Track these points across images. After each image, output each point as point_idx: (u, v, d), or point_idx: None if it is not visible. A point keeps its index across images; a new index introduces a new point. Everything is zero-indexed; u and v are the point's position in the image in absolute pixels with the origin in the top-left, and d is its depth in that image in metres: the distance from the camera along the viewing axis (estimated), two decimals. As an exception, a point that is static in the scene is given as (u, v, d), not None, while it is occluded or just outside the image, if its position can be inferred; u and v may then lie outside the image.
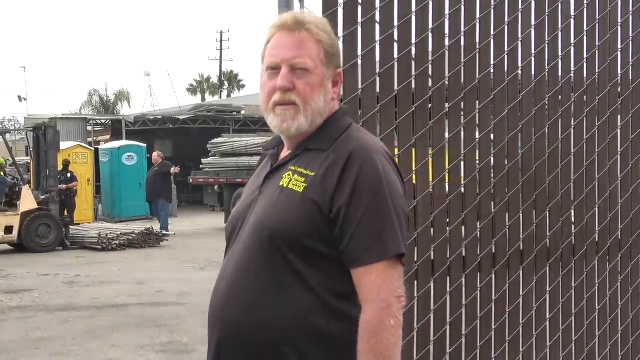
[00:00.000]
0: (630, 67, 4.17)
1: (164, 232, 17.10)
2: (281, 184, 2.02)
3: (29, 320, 8.88)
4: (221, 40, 55.49)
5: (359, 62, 3.26)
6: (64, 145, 19.69)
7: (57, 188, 16.54)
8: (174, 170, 18.40)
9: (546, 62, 3.83)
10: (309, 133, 2.05)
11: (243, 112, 28.68)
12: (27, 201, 15.67)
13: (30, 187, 16.12)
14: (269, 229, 1.96)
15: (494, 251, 3.66)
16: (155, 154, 19.16)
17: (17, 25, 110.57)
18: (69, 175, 19.43)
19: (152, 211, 19.69)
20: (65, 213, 18.30)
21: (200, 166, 20.97)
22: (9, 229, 15.47)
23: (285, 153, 2.12)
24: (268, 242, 1.96)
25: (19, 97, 43.70)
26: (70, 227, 16.59)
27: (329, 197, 1.94)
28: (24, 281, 11.88)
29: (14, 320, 8.91)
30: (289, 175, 2.02)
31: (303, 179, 1.98)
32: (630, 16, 4.16)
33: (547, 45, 3.83)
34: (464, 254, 3.55)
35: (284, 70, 2.01)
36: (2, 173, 16.66)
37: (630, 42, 4.16)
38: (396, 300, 1.93)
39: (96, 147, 25.23)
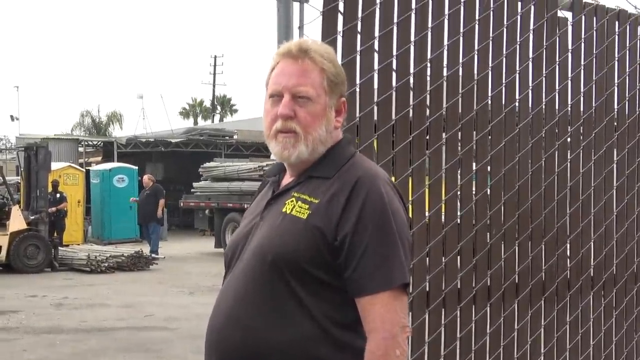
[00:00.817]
0: (627, 102, 4.18)
1: (153, 255, 16.99)
2: (284, 210, 2.01)
3: (14, 342, 8.76)
4: (215, 65, 55.69)
5: (357, 90, 3.24)
6: (55, 165, 19.61)
7: (47, 209, 16.44)
8: (159, 212, 18.11)
9: (544, 95, 3.84)
10: (312, 161, 2.05)
11: (235, 136, 28.68)
12: (17, 221, 15.57)
13: (19, 207, 16.02)
14: (271, 254, 1.95)
15: (489, 284, 3.63)
16: (145, 177, 19.08)
17: (10, 44, 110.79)
18: (58, 196, 19.31)
19: (142, 234, 19.52)
20: (55, 234, 18.18)
21: (192, 190, 20.91)
22: (-3, 249, 15.36)
23: (287, 180, 2.12)
24: (270, 267, 1.95)
25: (11, 116, 43.48)
26: (59, 248, 16.48)
27: (334, 224, 1.94)
28: (11, 302, 11.76)
29: (-1, 342, 8.80)
30: (292, 201, 2.01)
31: (307, 206, 1.98)
32: (627, 52, 4.18)
33: (544, 79, 3.83)
34: (459, 286, 3.52)
35: (285, 98, 2.01)
36: (-9, 192, 16.57)
37: (627, 77, 4.18)
38: (401, 330, 1.93)
39: (87, 168, 25.14)
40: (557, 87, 3.89)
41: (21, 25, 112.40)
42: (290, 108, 2.01)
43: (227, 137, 28.49)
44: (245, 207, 18.04)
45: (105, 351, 8.28)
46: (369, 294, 1.91)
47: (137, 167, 23.67)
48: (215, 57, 55.77)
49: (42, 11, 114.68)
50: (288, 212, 2.00)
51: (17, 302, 11.80)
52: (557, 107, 3.90)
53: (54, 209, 18.49)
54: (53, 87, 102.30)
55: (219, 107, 58.59)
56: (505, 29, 3.67)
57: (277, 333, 1.93)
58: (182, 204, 21.44)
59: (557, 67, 3.88)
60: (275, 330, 1.94)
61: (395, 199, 2.01)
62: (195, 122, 55.66)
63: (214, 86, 56.11)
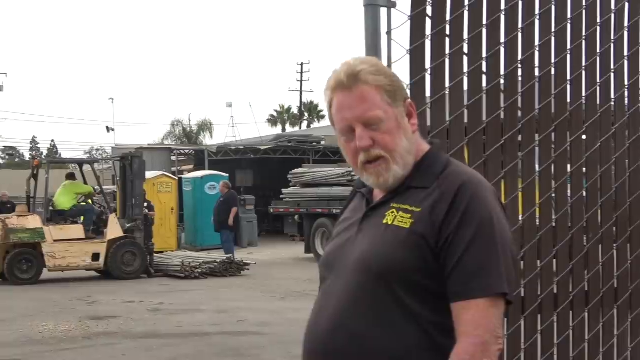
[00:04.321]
0: None
1: (230, 257, 16.86)
2: (385, 221, 2.00)
3: (114, 347, 9.05)
4: (302, 72, 56.15)
5: (447, 93, 3.21)
6: (149, 174, 20.11)
7: (142, 216, 16.86)
8: (231, 219, 17.98)
9: (640, 93, 3.72)
10: (406, 173, 2.04)
11: (323, 142, 28.84)
12: (114, 229, 16.05)
13: (116, 215, 16.51)
14: (377, 266, 1.94)
15: (586, 288, 3.54)
16: (221, 184, 19.24)
17: (105, 59, 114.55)
18: (146, 204, 19.71)
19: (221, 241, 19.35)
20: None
21: (281, 196, 21.13)
22: (95, 256, 15.86)
23: (380, 192, 2.10)
24: (375, 278, 1.94)
25: (107, 127, 45.03)
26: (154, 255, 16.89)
27: (437, 229, 1.92)
28: (109, 307, 12.14)
29: (99, 347, 9.09)
30: (392, 212, 2.00)
31: (409, 215, 1.97)
32: None
33: (641, 77, 3.71)
34: (555, 291, 3.44)
35: (358, 131, 1.99)
36: (90, 201, 17.13)
37: None
38: (494, 340, 1.89)
39: (180, 176, 25.70)
40: (654, 85, 3.76)
41: (115, 41, 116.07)
42: (367, 138, 1.98)
43: (315, 143, 28.68)
44: (334, 212, 18.27)
45: (200, 356, 8.46)
46: (464, 299, 1.89)
47: (227, 175, 24.06)
48: (302, 63, 56.26)
49: (134, 26, 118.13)
50: (390, 223, 1.99)
51: (115, 307, 12.17)
52: (655, 106, 3.78)
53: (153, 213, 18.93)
54: (145, 98, 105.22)
55: (306, 114, 59.04)
56: (598, 27, 3.57)
57: (385, 341, 1.94)
58: (271, 210, 21.68)
59: (655, 64, 3.76)
60: (383, 338, 1.94)
61: (499, 208, 1.98)
62: (283, 129, 56.29)
63: (300, 93, 56.61)
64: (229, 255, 16.77)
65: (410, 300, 1.93)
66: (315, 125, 55.31)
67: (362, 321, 1.95)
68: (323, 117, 59.26)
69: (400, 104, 2.03)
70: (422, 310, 1.93)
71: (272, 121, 59.98)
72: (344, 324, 1.97)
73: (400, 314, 1.93)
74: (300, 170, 21.08)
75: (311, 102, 59.46)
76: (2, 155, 61.68)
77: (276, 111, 60.63)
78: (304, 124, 56.91)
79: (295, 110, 59.32)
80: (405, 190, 2.03)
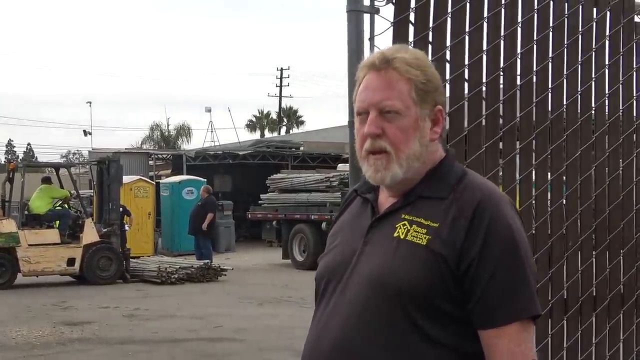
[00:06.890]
0: None
1: (207, 262, 16.79)
2: (396, 234, 1.85)
3: (89, 353, 8.96)
4: (281, 77, 56.15)
5: (429, 101, 3.20)
6: (126, 179, 19.98)
7: (119, 221, 16.74)
8: (204, 225, 17.76)
9: (621, 102, 3.74)
10: (412, 179, 1.89)
11: (302, 148, 28.85)
12: (90, 234, 15.91)
13: (92, 219, 16.38)
14: (392, 286, 1.80)
15: (565, 297, 3.55)
16: (202, 188, 19.15)
17: (83, 61, 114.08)
18: (121, 209, 19.55)
19: (195, 245, 19.23)
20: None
21: (259, 201, 21.08)
22: (71, 261, 15.70)
23: (386, 198, 1.94)
24: (390, 298, 1.80)
25: (84, 131, 44.65)
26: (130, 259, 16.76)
27: (458, 250, 1.79)
28: (84, 313, 12.02)
29: (74, 352, 9.00)
30: (404, 225, 1.85)
31: (424, 230, 1.82)
32: None
33: (621, 86, 3.73)
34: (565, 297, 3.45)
35: (371, 115, 1.86)
36: (66, 206, 16.97)
37: None
38: None
39: (157, 181, 25.55)
40: (634, 94, 3.78)
41: (93, 43, 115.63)
42: (378, 125, 1.85)
43: (294, 149, 28.67)
44: (313, 218, 18.28)
45: (176, 362, 8.39)
46: (495, 327, 1.78)
47: (205, 180, 23.95)
48: (282, 69, 56.28)
49: (113, 29, 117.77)
50: (402, 237, 1.84)
51: (90, 313, 12.05)
52: (635, 114, 3.80)
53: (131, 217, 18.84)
54: (123, 101, 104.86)
55: (285, 119, 59.04)
56: (580, 36, 3.59)
57: None
58: (249, 216, 21.61)
59: (635, 73, 3.78)
60: None
61: (518, 221, 1.86)
62: (262, 134, 56.21)
63: (280, 98, 56.60)
64: (206, 261, 16.68)
65: (427, 323, 1.79)
66: (294, 130, 55.33)
67: (373, 344, 1.81)
68: (302, 122, 59.42)
69: (427, 107, 1.88)
70: (441, 335, 1.79)
71: (251, 126, 59.86)
72: (352, 346, 1.82)
73: (416, 339, 1.79)
74: (278, 175, 21.06)
75: (290, 108, 59.48)
76: (-22, 159, 61.12)
77: (255, 116, 60.55)
78: (283, 130, 56.90)
79: (274, 115, 59.31)
80: (415, 200, 1.88)
